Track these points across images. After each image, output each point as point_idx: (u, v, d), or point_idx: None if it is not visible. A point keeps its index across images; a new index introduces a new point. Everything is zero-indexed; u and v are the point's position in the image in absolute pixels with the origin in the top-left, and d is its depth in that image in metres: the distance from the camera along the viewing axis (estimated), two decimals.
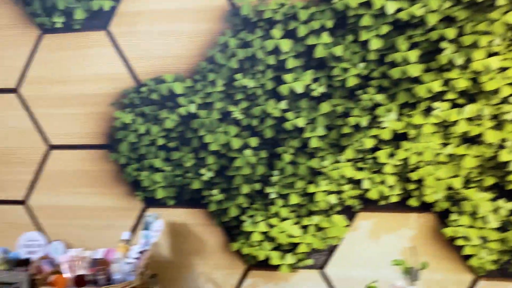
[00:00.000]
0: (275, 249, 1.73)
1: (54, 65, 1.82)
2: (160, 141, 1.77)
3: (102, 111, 1.81)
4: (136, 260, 1.64)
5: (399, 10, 1.48)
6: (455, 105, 1.50)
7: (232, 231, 1.76)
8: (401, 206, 1.60)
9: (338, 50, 1.57)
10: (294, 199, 1.69)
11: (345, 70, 1.59)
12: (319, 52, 1.59)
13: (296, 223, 1.70)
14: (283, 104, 1.66)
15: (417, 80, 1.51)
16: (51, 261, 1.68)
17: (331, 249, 1.70)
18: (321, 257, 1.71)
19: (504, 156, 1.43)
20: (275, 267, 1.73)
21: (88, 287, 1.47)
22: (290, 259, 1.72)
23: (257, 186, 1.72)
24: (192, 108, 1.74)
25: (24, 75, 1.85)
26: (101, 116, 1.81)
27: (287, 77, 1.64)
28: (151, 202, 1.81)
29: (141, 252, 1.66)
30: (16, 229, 1.91)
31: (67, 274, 1.64)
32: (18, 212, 1.90)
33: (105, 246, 1.80)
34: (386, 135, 1.59)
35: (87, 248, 1.80)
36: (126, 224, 1.83)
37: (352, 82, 1.59)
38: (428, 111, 1.52)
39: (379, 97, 1.59)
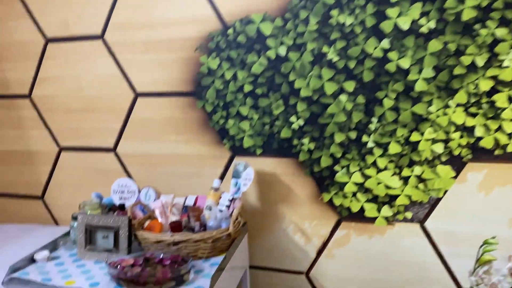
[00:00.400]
0: (370, 201, 1.63)
1: (137, 10, 1.76)
2: (247, 87, 1.69)
3: (187, 57, 1.74)
4: (227, 207, 1.61)
5: None
6: None
7: (324, 181, 1.67)
8: None
9: None
10: (394, 148, 1.56)
11: (461, 0, 1.39)
12: None
13: (395, 174, 1.58)
14: (385, 43, 1.50)
15: None
16: (144, 207, 1.70)
17: (433, 202, 1.56)
18: (421, 210, 1.58)
19: None
20: (370, 220, 1.64)
21: (184, 232, 1.47)
22: (386, 211, 1.62)
23: (353, 134, 1.60)
24: (282, 51, 1.62)
25: (109, 21, 1.81)
26: (186, 61, 1.75)
27: (391, 12, 1.47)
28: (238, 150, 1.76)
29: (231, 200, 1.63)
30: (107, 176, 1.96)
31: (161, 220, 1.66)
32: (108, 160, 1.94)
33: (194, 194, 1.80)
34: (507, 75, 1.39)
35: (176, 195, 1.81)
36: (214, 172, 1.80)
37: (468, 15, 1.39)
38: None
39: (501, 32, 1.38)
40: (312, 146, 1.66)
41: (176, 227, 1.48)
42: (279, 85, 1.65)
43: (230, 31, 1.67)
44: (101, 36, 1.84)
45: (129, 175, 1.92)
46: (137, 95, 1.85)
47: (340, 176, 1.64)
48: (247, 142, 1.73)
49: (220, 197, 1.65)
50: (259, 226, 1.78)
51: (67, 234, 1.67)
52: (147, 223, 1.60)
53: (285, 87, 1.65)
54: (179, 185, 1.85)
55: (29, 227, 2.03)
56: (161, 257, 1.39)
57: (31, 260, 1.47)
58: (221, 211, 1.60)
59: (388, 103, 1.53)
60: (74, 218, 1.61)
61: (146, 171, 1.90)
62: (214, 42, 1.70)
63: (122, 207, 1.69)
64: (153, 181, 1.89)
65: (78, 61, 1.90)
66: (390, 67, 1.50)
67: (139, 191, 1.84)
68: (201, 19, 1.70)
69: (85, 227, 1.51)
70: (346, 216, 1.67)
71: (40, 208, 2.11)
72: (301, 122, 1.65)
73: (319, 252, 1.74)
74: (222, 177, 1.80)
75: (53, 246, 1.58)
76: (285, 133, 1.68)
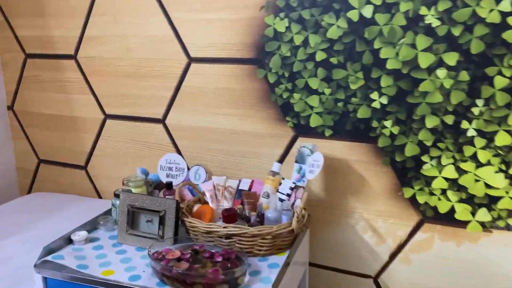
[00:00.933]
0: (463, 201, 1.33)
1: None
2: (320, 55, 1.42)
3: (250, 17, 1.48)
4: (287, 196, 1.38)
5: None
6: None
7: (406, 173, 1.39)
8: None
9: None
10: (503, 140, 1.24)
11: None
12: None
13: (500, 171, 1.27)
14: (505, 4, 1.17)
15: None
16: (193, 188, 1.50)
17: None
18: None
19: None
20: (461, 224, 1.35)
21: (238, 224, 1.26)
22: (484, 215, 1.32)
23: (449, 119, 1.30)
24: (367, 12, 1.32)
25: None
26: (249, 22, 1.49)
27: None
28: (303, 130, 1.50)
29: (293, 188, 1.39)
30: (155, 149, 1.77)
31: (212, 204, 1.46)
32: (156, 131, 1.75)
33: (249, 177, 1.58)
34: None
35: (229, 177, 1.59)
36: (273, 153, 1.56)
37: None
38: None
39: None
40: (395, 130, 1.37)
41: (230, 216, 1.27)
42: (359, 54, 1.37)
43: None
44: None
45: (178, 150, 1.73)
46: (190, 60, 1.62)
47: (428, 169, 1.35)
48: (314, 121, 1.47)
49: (280, 184, 1.42)
50: (323, 220, 1.54)
51: (109, 212, 1.51)
52: (196, 207, 1.41)
53: (367, 57, 1.36)
54: (233, 165, 1.63)
55: (70, 198, 1.90)
56: (212, 251, 1.19)
57: (68, 240, 1.32)
58: (281, 200, 1.37)
59: (500, 82, 1.21)
60: (117, 195, 1.44)
61: (197, 147, 1.69)
62: (284, 0, 1.42)
63: (169, 186, 1.49)
64: (204, 159, 1.68)
65: (127, 19, 1.69)
66: (509, 36, 1.17)
67: (188, 169, 1.64)
68: None
69: (128, 208, 1.33)
70: (431, 216, 1.39)
71: (83, 178, 1.97)
72: (384, 100, 1.37)
73: (393, 256, 1.47)
74: (281, 160, 1.56)
75: (92, 225, 1.42)
76: (362, 113, 1.40)
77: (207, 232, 1.23)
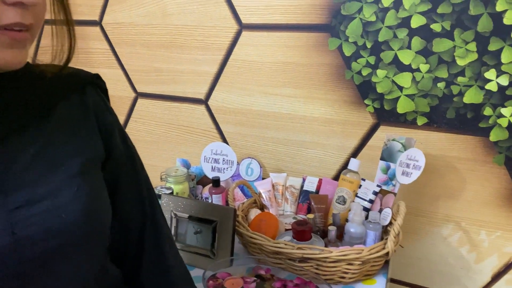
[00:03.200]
0: None
1: None
2: (418, 20, 1.08)
3: None
4: (370, 203, 1.08)
5: None
6: None
7: None
8: None
9: None
10: None
11: None
12: None
13: None
14: None
15: None
16: (247, 187, 1.22)
17: None
18: None
19: None
20: None
21: (313, 241, 0.97)
22: None
23: None
24: None
25: None
26: None
27: None
28: (388, 116, 1.19)
29: (376, 193, 1.09)
30: (196, 135, 1.49)
31: (272, 209, 1.18)
32: (198, 114, 1.46)
33: (315, 174, 1.29)
34: None
35: (290, 174, 1.30)
36: (345, 144, 1.26)
37: None
38: None
39: None
40: None
41: (304, 233, 0.98)
42: (474, 19, 1.03)
43: None
44: None
45: (223, 138, 1.44)
46: (241, 27, 1.31)
47: None
48: (404, 106, 1.15)
49: (360, 186, 1.12)
50: (408, 229, 1.24)
51: None
52: (252, 213, 1.13)
53: (484, 22, 1.02)
54: (293, 159, 1.34)
55: None
56: (281, 278, 0.91)
57: None
58: (366, 210, 1.07)
59: None
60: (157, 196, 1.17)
61: (247, 134, 1.40)
62: None
63: (216, 183, 1.22)
64: (255, 149, 1.39)
65: None
66: None
67: (238, 163, 1.35)
68: None
69: (171, 215, 1.06)
70: None
71: None
72: (503, 80, 1.04)
73: (497, 276, 1.18)
74: (356, 154, 1.25)
75: None
76: (471, 96, 1.08)
77: (275, 252, 0.96)
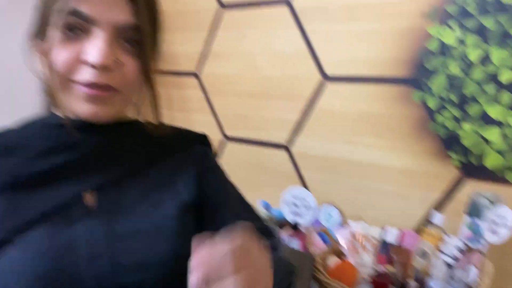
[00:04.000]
0: None
1: None
2: (507, 75, 1.07)
3: (407, 27, 1.20)
4: (454, 261, 1.05)
5: None
6: None
7: None
8: None
9: None
10: None
11: None
12: None
13: None
14: None
15: None
16: (326, 235, 1.24)
17: None
18: None
19: None
20: None
21: None
22: None
23: None
24: None
25: None
26: (405, 33, 1.20)
27: None
28: (475, 171, 1.16)
29: (462, 250, 1.05)
30: (277, 179, 1.56)
31: (350, 258, 1.18)
32: (279, 159, 1.54)
33: (391, 223, 1.27)
34: None
35: (366, 221, 1.31)
36: (427, 197, 1.24)
37: None
38: None
39: None
40: None
41: (383, 286, 0.98)
42: None
43: None
44: (288, 1, 1.41)
45: (303, 182, 1.49)
46: (325, 78, 1.38)
47: None
48: (493, 160, 1.12)
49: (443, 241, 1.09)
50: None
51: None
52: (330, 260, 1.14)
53: None
54: (372, 208, 1.34)
55: None
56: None
57: None
58: (449, 266, 1.04)
59: None
60: None
61: (327, 180, 1.43)
62: (456, 5, 1.11)
63: (295, 228, 1.26)
64: (334, 196, 1.42)
65: (255, 33, 1.51)
66: None
67: (318, 209, 1.38)
68: None
69: None
70: None
71: None
72: None
73: None
74: (439, 207, 1.22)
75: None
76: None
77: None
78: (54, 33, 0.54)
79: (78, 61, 0.54)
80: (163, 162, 0.63)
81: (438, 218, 1.10)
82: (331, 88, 1.37)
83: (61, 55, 0.54)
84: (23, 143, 0.58)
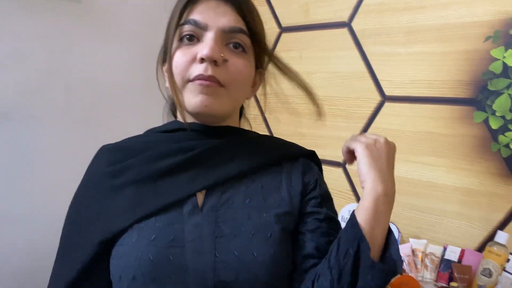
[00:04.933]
0: None
1: None
2: None
3: (468, 49, 1.23)
4: None
5: None
6: None
7: None
8: None
9: None
10: None
11: None
12: None
13: None
14: None
15: None
16: None
17: None
18: None
19: None
20: None
21: None
22: None
23: None
24: None
25: (360, 3, 1.43)
26: (466, 56, 1.24)
27: None
28: None
29: None
30: (334, 196, 1.59)
31: (411, 274, 1.20)
32: (336, 176, 1.58)
33: (451, 243, 1.28)
34: None
35: (429, 241, 1.32)
36: (489, 217, 1.24)
37: None
38: None
39: None
40: None
41: None
42: None
43: None
44: (347, 23, 1.48)
45: (359, 200, 1.52)
46: (384, 99, 1.42)
47: None
48: None
49: (508, 260, 1.09)
50: None
51: None
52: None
53: None
54: (431, 227, 1.35)
55: None
56: None
57: None
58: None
59: None
60: None
61: None
62: None
63: None
64: (395, 214, 1.41)
65: (314, 55, 1.58)
66: None
67: None
68: None
69: None
70: None
71: None
72: None
73: None
74: (502, 227, 1.22)
75: None
76: None
77: None
78: (174, 44, 0.64)
79: (193, 61, 0.62)
80: (269, 169, 0.68)
81: (502, 237, 1.11)
82: (390, 107, 1.41)
83: (180, 59, 0.63)
84: (149, 146, 0.67)
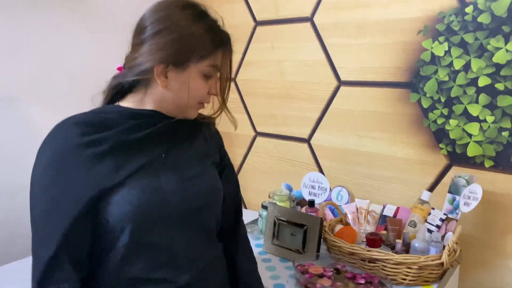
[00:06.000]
0: None
1: None
2: (484, 81, 1.32)
3: (406, 41, 1.47)
4: (437, 228, 1.30)
5: None
6: None
7: None
8: None
9: None
10: None
11: None
12: None
13: None
14: None
15: None
16: (335, 208, 1.52)
17: None
18: None
19: None
20: None
21: (383, 249, 1.23)
22: None
23: None
24: None
25: (320, 1, 1.67)
26: (404, 47, 1.48)
27: None
28: (459, 159, 1.41)
29: (443, 220, 1.31)
30: (298, 167, 1.85)
31: (354, 227, 1.46)
32: (301, 150, 1.83)
33: (393, 203, 1.54)
34: None
35: (372, 202, 1.57)
36: (422, 181, 1.50)
37: None
38: None
39: None
40: None
41: (373, 241, 1.25)
42: None
43: (469, 9, 1.33)
44: (310, 18, 1.72)
45: (320, 170, 1.78)
46: (340, 83, 1.67)
47: None
48: (473, 150, 1.37)
49: (429, 214, 1.35)
50: (476, 260, 1.41)
51: (255, 221, 1.62)
52: (337, 227, 1.42)
53: None
54: (376, 190, 1.61)
55: None
56: (354, 272, 1.19)
57: None
58: (430, 231, 1.30)
59: None
60: (264, 207, 1.54)
61: (340, 168, 1.71)
62: (444, 24, 1.38)
63: (311, 204, 1.54)
64: (346, 181, 1.69)
65: (283, 45, 1.82)
66: None
67: (331, 190, 1.67)
68: None
69: (274, 219, 1.41)
70: None
71: None
72: None
73: None
74: (431, 190, 1.48)
75: None
76: None
77: (350, 253, 1.24)
78: (196, 74, 0.85)
79: (207, 93, 0.89)
80: (197, 135, 0.97)
81: (426, 195, 1.37)
82: (345, 90, 1.66)
83: (201, 90, 0.87)
84: (119, 122, 0.85)
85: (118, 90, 0.91)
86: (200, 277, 0.88)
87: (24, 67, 1.70)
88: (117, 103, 0.91)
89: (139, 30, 0.86)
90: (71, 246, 0.77)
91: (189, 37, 0.82)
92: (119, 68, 0.92)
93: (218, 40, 0.85)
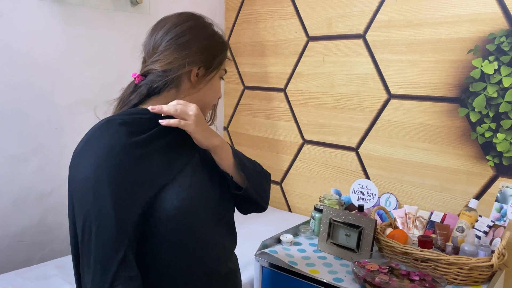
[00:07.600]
0: None
1: (405, 8, 1.69)
2: None
3: (456, 59, 1.58)
4: (484, 233, 1.40)
5: None
6: None
7: None
8: None
9: None
10: None
11: None
12: None
13: None
14: None
15: None
16: (384, 213, 1.63)
17: None
18: None
19: None
20: None
21: (434, 250, 1.33)
22: None
23: None
24: None
25: (373, 20, 1.80)
26: (454, 64, 1.59)
27: None
28: (506, 170, 1.50)
29: (491, 227, 1.40)
30: (345, 174, 1.96)
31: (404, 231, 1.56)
32: (349, 158, 1.94)
33: (440, 210, 1.63)
34: None
35: (420, 208, 1.67)
36: (468, 190, 1.59)
37: None
38: None
39: None
40: None
41: (425, 242, 1.35)
42: None
43: None
44: (362, 35, 1.84)
45: (367, 178, 1.88)
46: (390, 96, 1.78)
47: None
48: None
49: (476, 220, 1.44)
50: None
51: (307, 222, 1.74)
52: (387, 230, 1.53)
53: None
54: (423, 198, 1.71)
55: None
56: (408, 270, 1.29)
57: (277, 240, 1.58)
58: (478, 237, 1.39)
59: None
60: (318, 210, 1.66)
61: (387, 176, 1.82)
62: (494, 44, 1.48)
63: (361, 208, 1.65)
64: (393, 188, 1.80)
65: (334, 59, 1.95)
66: None
67: (379, 197, 1.77)
68: (481, 17, 1.51)
69: (330, 220, 1.53)
70: None
71: (277, 192, 2.28)
72: None
73: None
74: (477, 198, 1.57)
75: (294, 232, 1.67)
76: None
77: (403, 253, 1.35)
78: (216, 77, 0.98)
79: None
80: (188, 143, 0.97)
81: (473, 203, 1.46)
82: (395, 103, 1.77)
83: (219, 90, 1.01)
84: (154, 124, 0.90)
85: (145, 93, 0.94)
86: (230, 268, 1.00)
87: (99, 75, 1.88)
88: (140, 106, 0.94)
89: (169, 37, 0.92)
90: (134, 244, 0.82)
91: (215, 43, 0.96)
92: (137, 76, 0.96)
93: (226, 47, 1.00)
